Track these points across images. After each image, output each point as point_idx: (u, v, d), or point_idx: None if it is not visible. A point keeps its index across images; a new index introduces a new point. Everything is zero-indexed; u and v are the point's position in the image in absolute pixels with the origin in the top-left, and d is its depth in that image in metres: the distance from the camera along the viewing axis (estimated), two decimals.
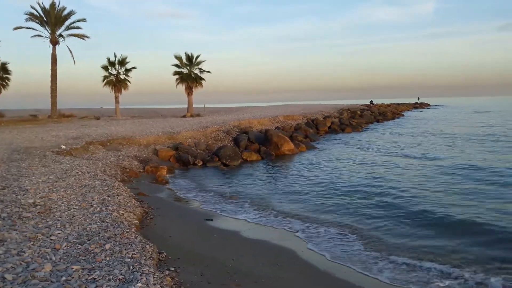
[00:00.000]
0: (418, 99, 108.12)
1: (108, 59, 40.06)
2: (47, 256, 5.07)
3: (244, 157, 17.93)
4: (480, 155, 17.41)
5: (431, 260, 6.56)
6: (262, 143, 20.13)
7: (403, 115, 56.55)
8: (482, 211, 9.03)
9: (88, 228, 6.36)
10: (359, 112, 46.10)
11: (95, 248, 5.50)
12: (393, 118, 48.33)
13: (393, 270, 6.27)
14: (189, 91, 41.30)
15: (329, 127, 31.29)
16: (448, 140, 23.84)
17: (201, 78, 41.43)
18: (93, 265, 4.91)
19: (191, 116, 38.65)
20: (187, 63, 41.28)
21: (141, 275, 4.74)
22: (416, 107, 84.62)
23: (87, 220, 6.79)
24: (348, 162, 16.81)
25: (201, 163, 16.32)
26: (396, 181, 12.74)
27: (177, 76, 41.26)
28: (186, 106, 42.80)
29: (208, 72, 41.84)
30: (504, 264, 6.32)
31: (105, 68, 40.06)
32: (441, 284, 5.73)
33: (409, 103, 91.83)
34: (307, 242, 7.53)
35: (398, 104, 79.97)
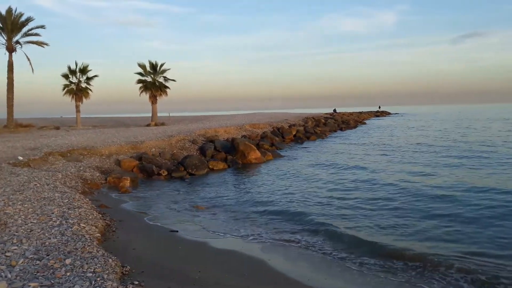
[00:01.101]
0: (379, 107, 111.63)
1: (69, 67, 38.89)
2: (2, 273, 4.82)
3: (210, 166, 17.82)
4: (438, 169, 18.10)
5: (401, 259, 6.78)
6: (228, 152, 20.10)
7: (365, 123, 58.16)
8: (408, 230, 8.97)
9: (47, 243, 6.10)
10: (323, 121, 46.99)
11: (55, 263, 5.28)
12: (355, 126, 49.61)
13: (359, 277, 6.40)
14: (153, 99, 40.74)
15: (295, 135, 31.68)
16: (409, 150, 24.72)
17: (166, 87, 41.02)
18: (53, 281, 4.71)
19: (156, 125, 38.04)
20: (151, 71, 40.77)
21: None
22: (378, 115, 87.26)
23: (46, 234, 6.51)
24: (313, 172, 17.06)
25: (166, 173, 16.05)
26: (363, 192, 13.06)
27: (140, 85, 40.63)
28: (150, 115, 42.14)
29: (173, 80, 41.53)
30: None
31: (65, 76, 38.82)
32: None
33: (371, 112, 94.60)
34: (275, 252, 7.55)
35: (360, 113, 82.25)
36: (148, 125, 38.26)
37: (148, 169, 15.85)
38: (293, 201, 11.51)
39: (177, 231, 8.60)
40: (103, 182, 13.76)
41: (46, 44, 33.77)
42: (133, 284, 5.22)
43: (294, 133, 32.07)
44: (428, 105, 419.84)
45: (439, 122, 55.37)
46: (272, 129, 31.73)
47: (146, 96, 40.72)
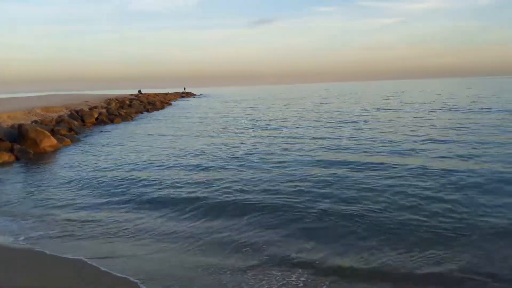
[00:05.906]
0: (184, 88, 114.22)
1: None
2: None
3: None
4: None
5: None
6: (15, 141, 17.37)
7: (171, 104, 58.83)
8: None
9: None
10: (128, 102, 45.42)
11: None
12: (162, 107, 49.75)
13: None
14: None
15: (97, 119, 29.68)
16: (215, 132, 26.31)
17: None
18: None
19: None
20: None
21: None
22: (183, 96, 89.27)
23: None
24: (116, 157, 16.31)
25: None
26: (165, 175, 13.33)
27: None
28: None
29: None
30: None
31: None
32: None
33: (177, 93, 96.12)
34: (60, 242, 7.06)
35: (166, 94, 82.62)
36: None
37: None
38: (96, 190, 10.85)
39: None
40: None
41: None
42: None
43: (96, 116, 30.01)
44: (229, 87, 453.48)
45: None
46: (69, 113, 28.84)
47: None
